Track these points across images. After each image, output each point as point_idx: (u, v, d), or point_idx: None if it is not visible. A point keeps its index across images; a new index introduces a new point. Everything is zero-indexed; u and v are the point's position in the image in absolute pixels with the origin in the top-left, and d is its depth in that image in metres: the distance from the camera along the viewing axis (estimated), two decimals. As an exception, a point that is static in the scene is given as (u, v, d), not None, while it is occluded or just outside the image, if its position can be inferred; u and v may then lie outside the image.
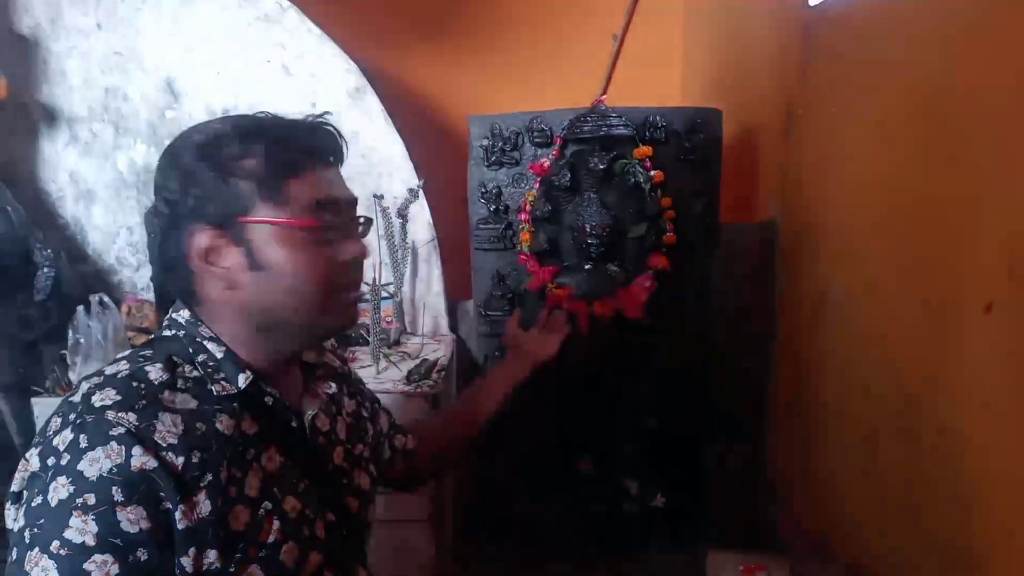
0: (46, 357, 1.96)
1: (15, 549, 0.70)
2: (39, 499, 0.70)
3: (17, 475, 0.75)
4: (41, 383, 1.89)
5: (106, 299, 1.90)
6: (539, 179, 1.92)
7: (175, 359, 0.81)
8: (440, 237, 2.21)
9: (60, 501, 0.68)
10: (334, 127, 0.88)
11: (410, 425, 1.29)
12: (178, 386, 0.79)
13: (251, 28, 2.06)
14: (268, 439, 0.84)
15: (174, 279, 0.85)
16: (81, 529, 0.67)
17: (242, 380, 0.82)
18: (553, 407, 2.00)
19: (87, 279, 2.22)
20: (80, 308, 1.86)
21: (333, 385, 0.98)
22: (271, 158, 0.80)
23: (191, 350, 0.83)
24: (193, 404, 0.78)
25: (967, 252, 1.06)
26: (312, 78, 2.08)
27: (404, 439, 1.22)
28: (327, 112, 0.90)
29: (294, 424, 0.89)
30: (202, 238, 0.80)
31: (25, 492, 0.73)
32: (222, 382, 0.81)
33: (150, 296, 2.18)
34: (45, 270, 1.97)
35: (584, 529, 2.00)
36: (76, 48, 2.10)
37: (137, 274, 2.26)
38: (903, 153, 1.27)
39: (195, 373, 0.81)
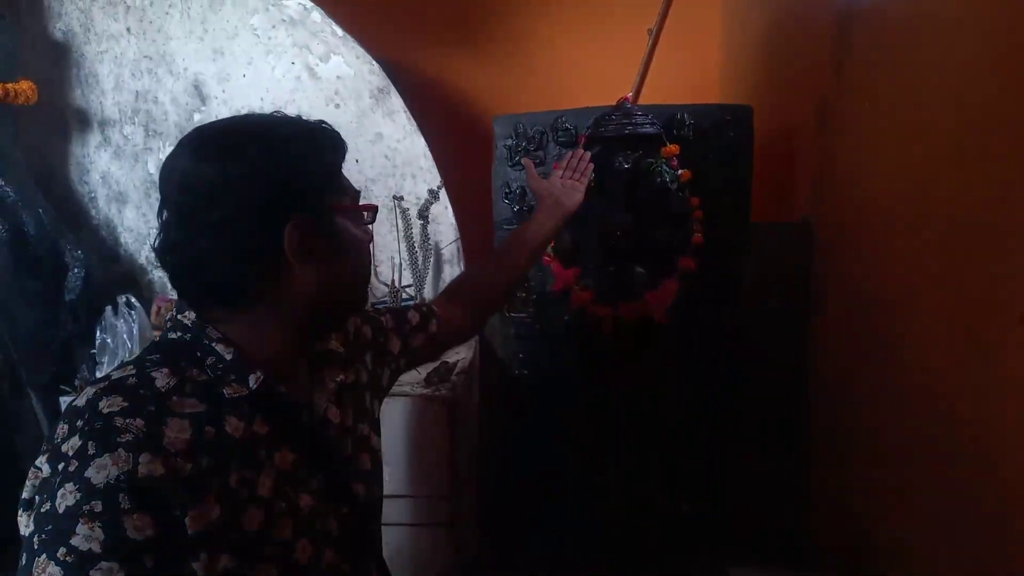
0: (76, 356, 2.00)
1: (25, 555, 0.70)
2: (47, 505, 0.69)
3: (28, 482, 0.75)
4: (71, 382, 1.92)
5: (133, 299, 1.92)
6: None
7: (182, 363, 0.80)
8: (464, 238, 2.19)
9: (67, 508, 0.68)
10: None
11: (445, 292, 1.37)
12: (185, 390, 0.77)
13: (276, 31, 2.06)
14: (280, 437, 0.83)
15: (242, 277, 0.81)
16: (88, 536, 0.67)
17: (253, 381, 0.81)
18: (577, 413, 1.96)
19: (119, 279, 2.26)
20: (108, 308, 1.89)
21: (342, 373, 0.96)
22: (331, 152, 0.87)
23: (198, 353, 0.81)
24: (201, 408, 0.77)
25: (1003, 256, 1.00)
26: (337, 79, 2.08)
27: (423, 333, 1.22)
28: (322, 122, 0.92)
29: (305, 420, 0.88)
30: (296, 230, 0.81)
31: (36, 498, 0.73)
32: (233, 384, 0.80)
33: (179, 296, 2.21)
34: (75, 271, 2.01)
35: (608, 537, 1.96)
36: (107, 53, 2.14)
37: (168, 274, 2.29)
38: (939, 151, 1.21)
39: (203, 376, 0.80)
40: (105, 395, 0.74)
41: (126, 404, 0.73)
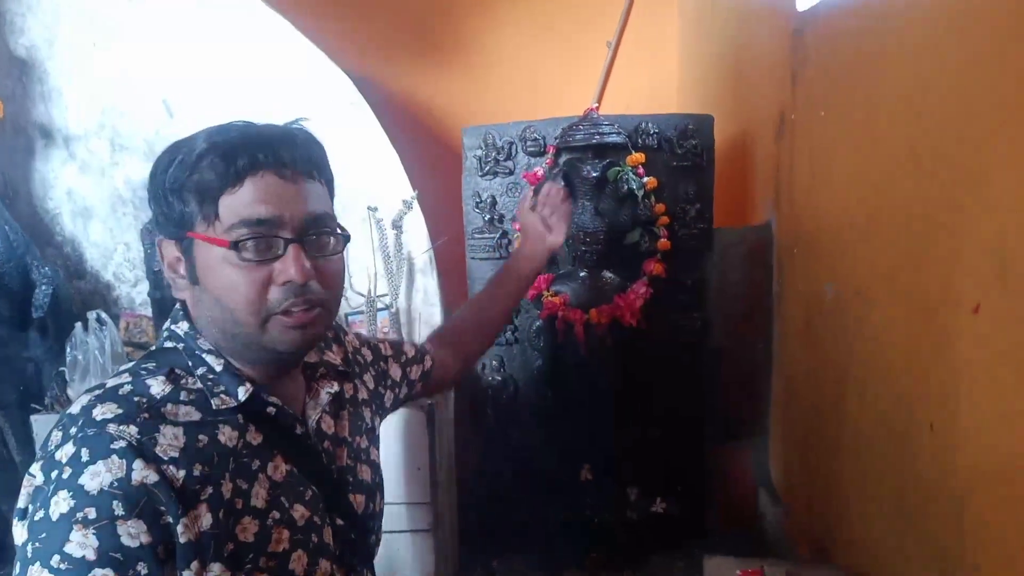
0: (45, 374, 1.97)
1: (18, 563, 0.70)
2: (41, 513, 0.69)
3: (23, 490, 0.75)
4: (40, 400, 1.89)
5: (103, 315, 1.90)
6: (533, 188, 1.93)
7: (177, 371, 0.81)
8: (436, 248, 2.22)
9: (61, 515, 0.68)
10: (300, 133, 0.84)
11: (437, 335, 1.30)
12: (180, 398, 0.78)
13: (245, 44, 2.07)
14: (273, 448, 0.84)
15: (163, 290, 0.86)
16: (82, 543, 0.67)
17: (242, 393, 0.81)
18: (552, 416, 2.00)
19: (85, 296, 2.23)
20: (78, 325, 1.87)
21: (336, 384, 0.96)
22: (211, 172, 0.77)
23: (191, 363, 0.82)
24: (196, 416, 0.78)
25: (956, 253, 1.07)
26: (306, 92, 2.10)
27: (420, 366, 1.20)
28: (301, 119, 0.86)
29: (299, 431, 0.88)
30: (166, 250, 0.84)
31: (29, 506, 0.73)
32: (222, 395, 0.81)
33: (148, 311, 2.19)
34: (43, 287, 1.98)
35: (586, 537, 1.99)
36: (72, 68, 2.12)
37: (135, 290, 2.27)
38: (892, 155, 1.28)
39: (197, 385, 0.81)
40: (100, 402, 0.74)
41: (120, 411, 0.73)
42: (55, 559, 0.67)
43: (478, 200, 2.01)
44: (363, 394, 1.04)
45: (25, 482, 0.75)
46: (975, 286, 1.01)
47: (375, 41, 2.68)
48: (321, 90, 2.10)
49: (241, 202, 0.77)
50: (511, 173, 1.99)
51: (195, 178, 0.77)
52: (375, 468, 1.02)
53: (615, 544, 1.98)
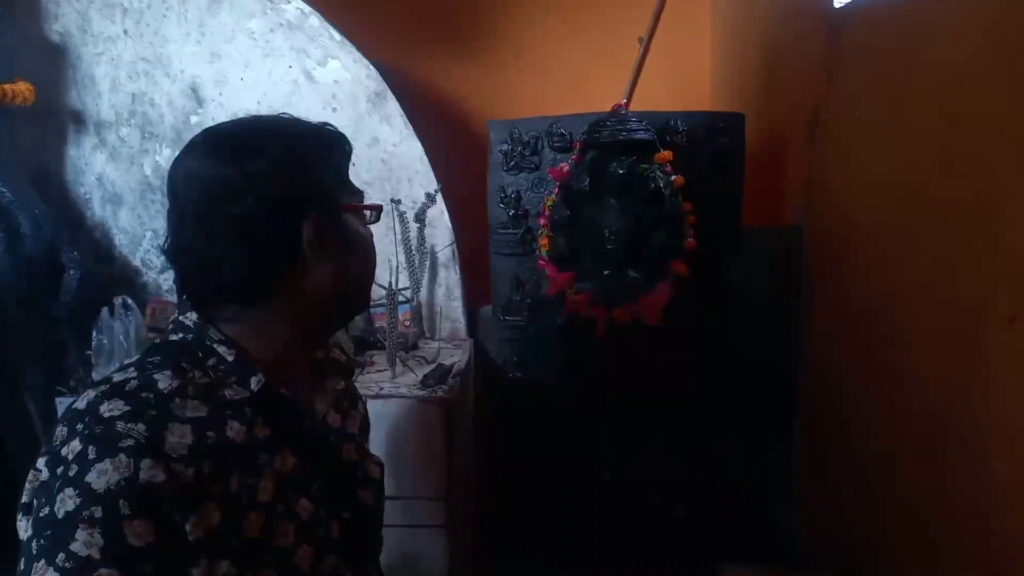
0: (71, 357, 2.00)
1: (23, 560, 0.70)
2: (46, 510, 0.69)
3: (27, 485, 0.75)
4: (66, 383, 1.92)
5: (129, 301, 1.92)
6: (558, 184, 1.91)
7: (184, 365, 0.80)
8: (460, 242, 2.21)
9: (67, 513, 0.68)
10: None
11: None
12: (188, 393, 0.77)
13: (273, 34, 2.08)
14: (281, 441, 0.83)
15: (258, 275, 0.82)
16: (87, 542, 0.66)
17: (254, 383, 0.81)
18: (572, 417, 1.98)
19: (113, 281, 2.26)
20: (104, 309, 1.89)
21: (342, 381, 0.97)
22: (340, 152, 0.89)
23: (200, 354, 0.81)
24: (203, 411, 0.77)
25: (990, 260, 1.03)
26: (334, 83, 2.09)
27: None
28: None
29: (306, 424, 0.88)
30: (313, 227, 0.82)
31: (34, 502, 0.73)
32: (234, 385, 0.80)
33: (174, 299, 2.21)
34: (72, 272, 2.00)
35: (603, 540, 1.98)
36: (104, 55, 2.14)
37: (162, 277, 2.29)
38: (927, 157, 1.24)
39: (204, 379, 0.80)
40: (106, 399, 0.73)
41: (128, 408, 0.72)
42: (60, 557, 0.67)
43: (503, 195, 2.00)
44: (360, 407, 1.05)
45: (30, 477, 0.74)
46: (1012, 295, 0.97)
47: (403, 32, 2.66)
48: (347, 80, 2.10)
49: (350, 180, 0.91)
50: (537, 168, 1.97)
51: (332, 157, 0.88)
52: (381, 466, 1.01)
53: (633, 547, 1.96)
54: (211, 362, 0.81)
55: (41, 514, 0.69)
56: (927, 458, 1.23)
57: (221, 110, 2.14)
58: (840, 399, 1.67)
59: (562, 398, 2.00)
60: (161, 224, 2.24)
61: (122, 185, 2.23)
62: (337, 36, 2.07)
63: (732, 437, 1.98)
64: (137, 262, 2.30)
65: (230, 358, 0.81)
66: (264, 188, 0.80)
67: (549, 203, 1.93)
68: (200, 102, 2.15)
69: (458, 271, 2.21)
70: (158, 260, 2.28)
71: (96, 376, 1.86)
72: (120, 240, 2.28)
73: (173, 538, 0.71)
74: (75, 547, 0.67)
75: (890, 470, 1.38)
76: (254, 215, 0.79)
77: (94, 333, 1.87)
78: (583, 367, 1.96)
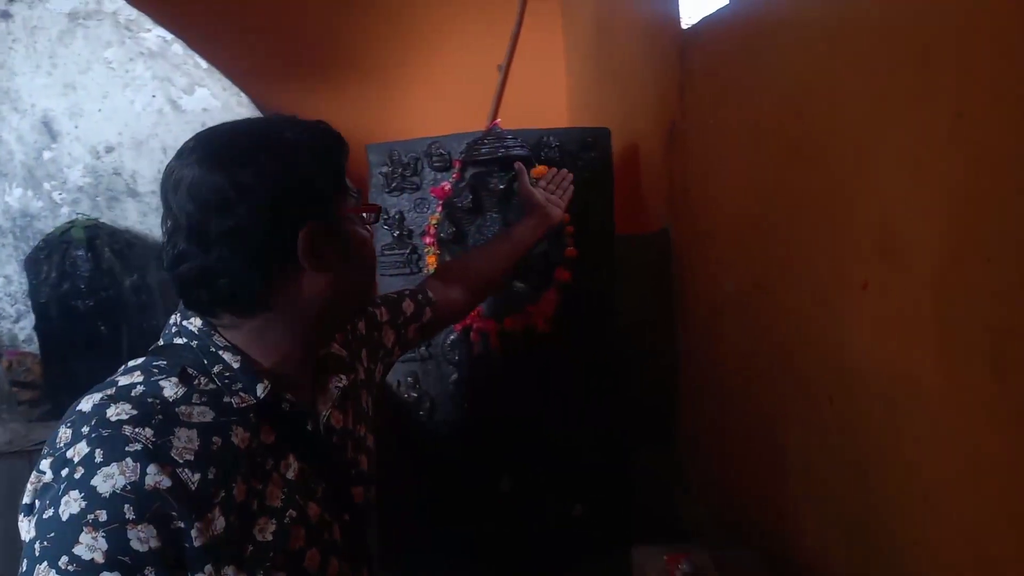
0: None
1: (25, 561, 0.69)
2: (50, 511, 0.68)
3: (29, 487, 0.73)
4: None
5: (-15, 352, 1.77)
6: (441, 202, 1.96)
7: (189, 371, 0.79)
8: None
9: (71, 516, 0.67)
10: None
11: (443, 269, 1.45)
12: (193, 399, 0.77)
13: (133, 63, 2.01)
14: (286, 446, 0.83)
15: (255, 284, 0.80)
16: (91, 546, 0.67)
17: (260, 390, 0.80)
18: (469, 429, 2.01)
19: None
20: (-45, 364, 1.73)
21: (344, 377, 0.95)
22: (337, 153, 0.87)
23: (205, 360, 0.80)
24: (209, 417, 0.76)
25: (841, 236, 1.16)
26: (203, 112, 2.05)
27: (417, 323, 1.23)
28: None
29: (310, 427, 0.87)
30: (309, 236, 0.81)
31: (37, 503, 0.71)
32: (240, 393, 0.80)
33: (31, 348, 2.05)
34: (-89, 326, 1.82)
35: (509, 547, 2.00)
36: (-61, 89, 1.98)
37: (17, 326, 2.12)
38: (777, 155, 1.39)
39: (210, 385, 0.79)
40: (113, 402, 0.73)
41: (135, 412, 0.72)
42: (63, 560, 0.66)
43: (386, 216, 2.02)
44: (361, 374, 1.05)
45: (32, 478, 0.73)
46: (862, 265, 1.10)
47: (274, 61, 2.65)
48: (217, 107, 2.05)
49: (347, 180, 0.90)
50: (418, 188, 2.01)
51: (330, 161, 0.85)
52: (371, 456, 1.02)
53: (536, 553, 2.00)
54: (217, 368, 0.80)
55: (44, 516, 0.69)
56: (802, 421, 1.35)
57: (78, 143, 2.03)
58: (719, 384, 1.80)
59: (458, 413, 2.02)
60: (13, 269, 2.08)
61: (-33, 229, 2.06)
62: (204, 64, 2.04)
63: (627, 436, 2.07)
64: (-12, 312, 2.11)
65: (236, 365, 0.81)
66: (257, 199, 0.78)
67: (433, 221, 1.97)
68: (54, 136, 2.03)
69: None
70: (12, 308, 2.11)
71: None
72: (-33, 289, 2.09)
73: (177, 543, 0.71)
74: (78, 550, 0.67)
75: (771, 439, 1.50)
76: (247, 226, 0.78)
77: (-55, 390, 1.71)
78: (478, 380, 2.00)
